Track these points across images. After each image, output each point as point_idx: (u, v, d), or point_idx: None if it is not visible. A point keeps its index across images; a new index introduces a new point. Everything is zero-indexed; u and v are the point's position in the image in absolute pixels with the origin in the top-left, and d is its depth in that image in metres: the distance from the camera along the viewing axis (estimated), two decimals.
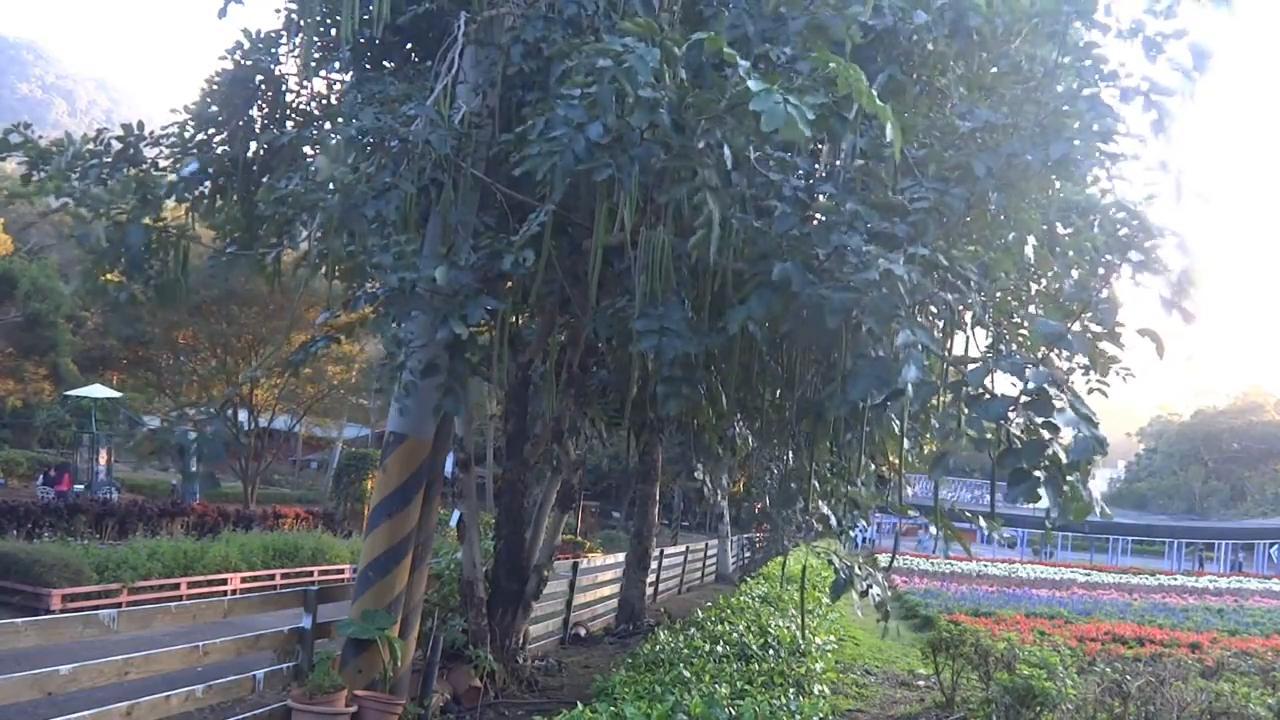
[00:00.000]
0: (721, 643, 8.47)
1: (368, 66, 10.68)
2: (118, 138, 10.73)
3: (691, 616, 10.61)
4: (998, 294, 6.84)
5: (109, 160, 10.65)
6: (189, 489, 31.40)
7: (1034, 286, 7.64)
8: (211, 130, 11.30)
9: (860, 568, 8.35)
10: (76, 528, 21.79)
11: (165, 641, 7.85)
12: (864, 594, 8.42)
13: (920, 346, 4.96)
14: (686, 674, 6.94)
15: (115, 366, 35.01)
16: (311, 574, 23.96)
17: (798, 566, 20.99)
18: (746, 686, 6.91)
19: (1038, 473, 5.07)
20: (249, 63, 11.07)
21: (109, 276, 10.55)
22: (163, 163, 11.27)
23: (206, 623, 9.27)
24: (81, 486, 29.06)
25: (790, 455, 9.18)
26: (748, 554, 36.82)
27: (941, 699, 12.03)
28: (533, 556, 11.50)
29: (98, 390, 28.63)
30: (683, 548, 29.55)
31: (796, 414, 7.69)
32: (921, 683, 14.62)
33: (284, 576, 22.88)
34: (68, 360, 24.68)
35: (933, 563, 49.12)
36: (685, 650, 7.95)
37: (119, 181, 10.53)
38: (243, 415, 39.45)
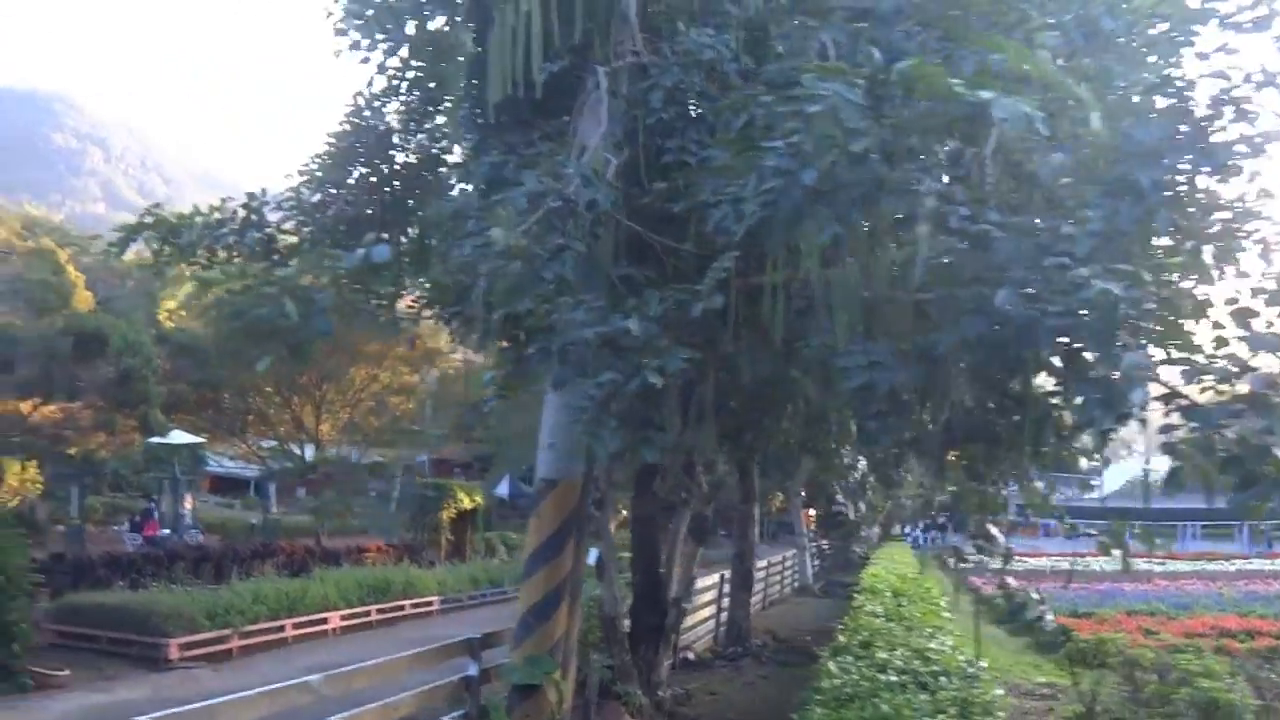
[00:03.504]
0: (888, 670, 8.52)
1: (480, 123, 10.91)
2: (243, 205, 11.05)
3: (836, 642, 10.64)
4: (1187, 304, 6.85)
5: (235, 228, 10.98)
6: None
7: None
8: (328, 189, 11.64)
9: (1024, 593, 8.37)
10: (176, 574, 22.16)
11: (361, 699, 8.02)
12: (1038, 620, 8.46)
13: (1149, 368, 5.04)
14: (885, 709, 7.01)
15: (185, 409, 35.50)
16: (403, 607, 24.31)
17: (902, 578, 20.94)
18: (941, 718, 6.98)
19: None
20: (360, 124, 11.38)
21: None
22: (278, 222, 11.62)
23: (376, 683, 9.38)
24: (167, 531, 29.48)
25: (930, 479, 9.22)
26: (816, 563, 36.78)
27: (1080, 709, 12.00)
28: (669, 590, 11.64)
29: (179, 436, 29.14)
30: (764, 561, 29.56)
31: (958, 438, 7.73)
32: (1045, 691, 14.58)
33: (379, 612, 23.22)
34: (156, 411, 25.24)
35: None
36: (865, 682, 8.01)
37: (247, 247, 10.88)
38: (309, 450, 40.01)
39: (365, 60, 10.11)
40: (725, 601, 20.18)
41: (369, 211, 11.64)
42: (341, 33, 9.11)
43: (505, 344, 10.26)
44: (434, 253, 7.41)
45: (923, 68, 4.85)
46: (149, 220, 10.60)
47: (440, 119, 11.82)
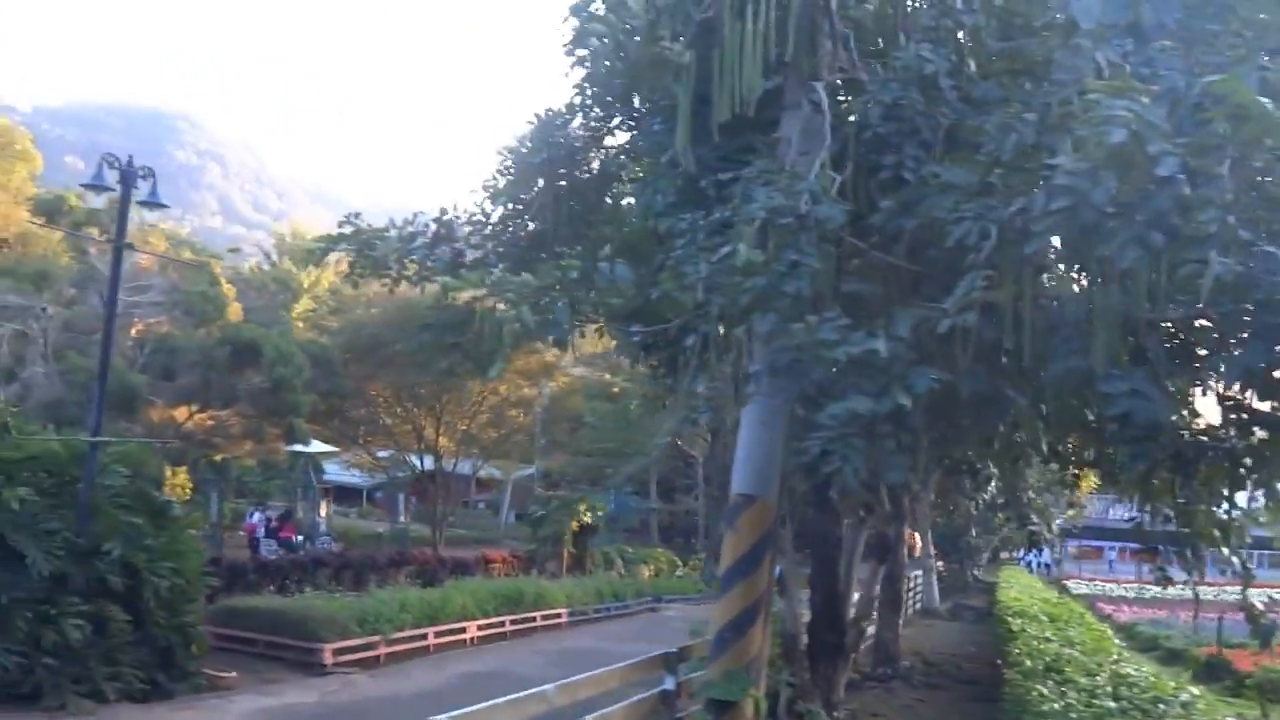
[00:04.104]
0: (1100, 696, 8.32)
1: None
2: (435, 220, 11.34)
3: (1023, 667, 10.41)
4: None
5: (426, 242, 11.28)
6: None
7: None
8: (511, 206, 11.85)
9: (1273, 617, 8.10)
10: (319, 580, 22.74)
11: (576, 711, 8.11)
12: None
13: None
14: None
15: (314, 419, 36.31)
16: (534, 619, 24.57)
17: (1046, 602, 20.46)
18: None
19: None
20: (546, 140, 11.56)
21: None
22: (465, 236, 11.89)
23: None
24: (301, 538, 30.24)
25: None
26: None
27: None
28: (848, 607, 11.54)
29: (317, 446, 29.92)
30: None
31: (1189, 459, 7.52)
32: None
33: (512, 623, 23.48)
34: (302, 421, 26.02)
35: (1125, 588, 47.38)
36: (1084, 709, 7.83)
37: (438, 261, 11.16)
38: (428, 461, 40.56)
39: (586, 78, 10.32)
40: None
41: (541, 227, 11.78)
42: (570, 51, 9.28)
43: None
44: (667, 269, 7.48)
45: (1232, 83, 4.74)
46: (347, 231, 10.94)
47: (622, 136, 11.98)
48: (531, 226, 11.46)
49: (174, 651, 14.00)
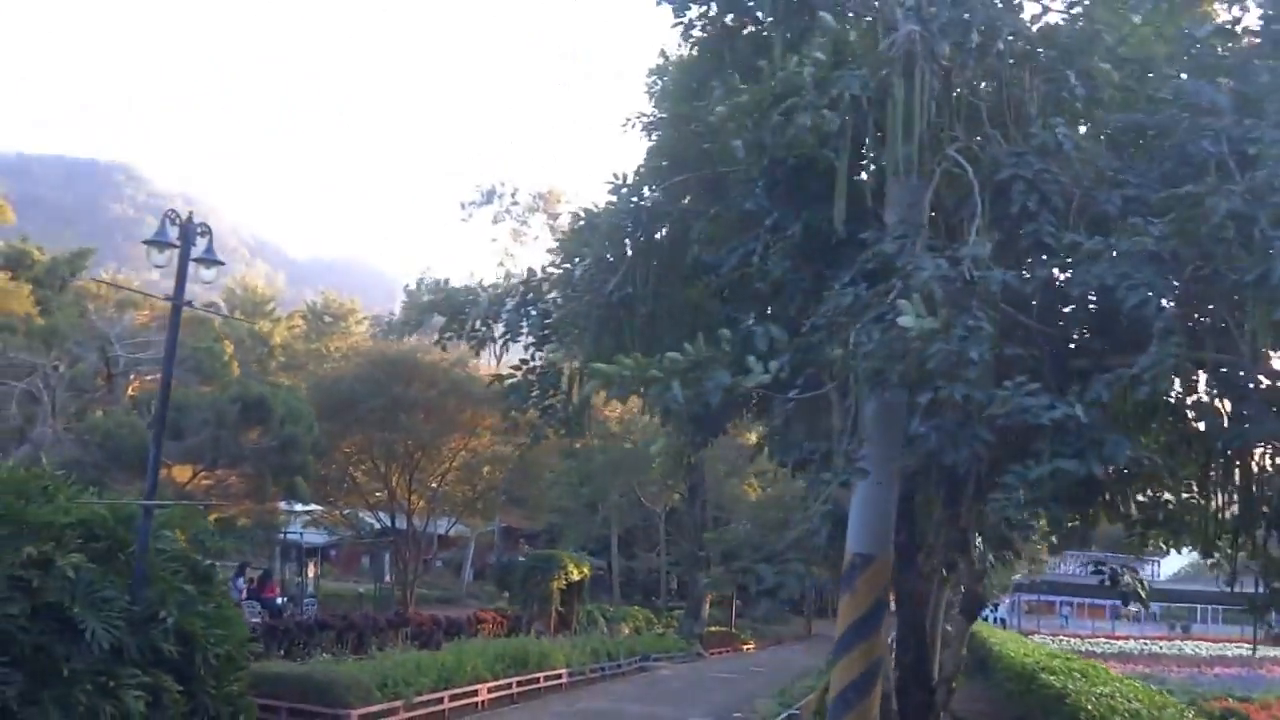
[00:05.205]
0: None
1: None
2: (523, 282, 11.38)
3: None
4: None
5: (515, 303, 11.31)
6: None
7: None
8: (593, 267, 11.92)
9: None
10: (324, 644, 22.28)
11: None
12: None
13: None
14: None
15: None
16: (537, 680, 24.22)
17: (1053, 655, 20.67)
18: None
19: None
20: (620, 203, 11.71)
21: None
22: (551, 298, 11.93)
23: None
24: (284, 599, 29.46)
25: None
26: None
27: None
28: (935, 664, 11.60)
29: (314, 505, 29.33)
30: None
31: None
32: None
33: (518, 684, 23.14)
34: (304, 481, 25.53)
35: (1090, 643, 47.98)
36: None
37: (527, 323, 11.20)
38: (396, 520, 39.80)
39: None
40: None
41: (629, 290, 11.84)
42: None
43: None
44: (832, 338, 7.62)
45: None
46: (439, 299, 10.95)
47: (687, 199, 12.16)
48: (612, 286, 11.51)
49: None
